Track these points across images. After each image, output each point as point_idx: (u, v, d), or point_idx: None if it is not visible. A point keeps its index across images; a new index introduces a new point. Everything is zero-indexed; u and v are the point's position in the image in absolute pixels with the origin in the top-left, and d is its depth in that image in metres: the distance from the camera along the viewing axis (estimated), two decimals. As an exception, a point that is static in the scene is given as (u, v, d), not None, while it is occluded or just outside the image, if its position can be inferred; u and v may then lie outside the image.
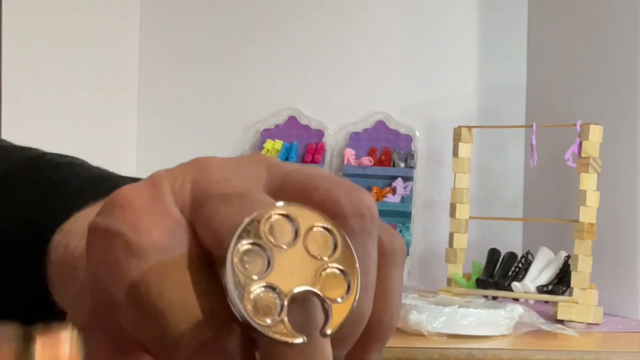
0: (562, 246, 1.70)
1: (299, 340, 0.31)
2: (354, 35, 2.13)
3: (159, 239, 0.33)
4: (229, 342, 0.33)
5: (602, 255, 1.66)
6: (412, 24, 2.13)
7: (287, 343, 0.31)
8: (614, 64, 1.76)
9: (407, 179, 2.05)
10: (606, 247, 1.69)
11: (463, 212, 1.72)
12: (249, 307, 0.31)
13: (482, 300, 1.58)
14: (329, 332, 0.32)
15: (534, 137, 1.68)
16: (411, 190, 2.04)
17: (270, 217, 0.32)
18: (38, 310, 0.44)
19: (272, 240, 0.32)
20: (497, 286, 1.68)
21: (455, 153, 1.73)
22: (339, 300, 0.32)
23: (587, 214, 1.56)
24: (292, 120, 2.11)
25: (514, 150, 2.11)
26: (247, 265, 0.32)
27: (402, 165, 2.06)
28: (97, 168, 0.55)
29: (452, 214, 1.73)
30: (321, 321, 0.32)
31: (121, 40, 2.12)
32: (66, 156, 0.57)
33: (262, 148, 2.08)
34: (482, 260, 1.76)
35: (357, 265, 0.33)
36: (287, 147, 2.08)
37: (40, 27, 1.83)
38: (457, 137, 1.73)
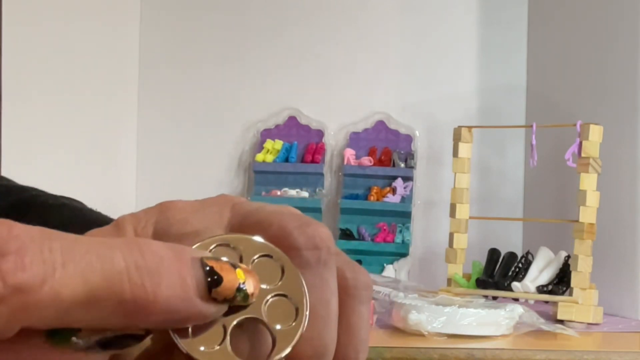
0: (562, 246, 1.70)
1: None
2: (354, 35, 2.13)
3: None
4: None
5: (602, 255, 1.66)
6: (412, 23, 2.13)
7: None
8: (614, 64, 1.76)
9: (407, 179, 2.05)
10: (606, 247, 1.69)
11: (463, 212, 1.72)
12: (191, 336, 0.31)
13: (482, 300, 1.58)
14: (275, 358, 0.32)
15: (534, 137, 1.68)
16: (411, 190, 2.04)
17: (212, 246, 0.33)
18: None
19: None
20: (497, 286, 1.68)
21: (455, 153, 1.73)
22: (285, 327, 0.32)
23: (587, 214, 1.56)
24: (292, 120, 2.11)
25: (514, 150, 2.11)
26: None
27: (402, 165, 2.06)
28: (93, 211, 0.56)
29: (452, 214, 1.73)
30: (268, 348, 0.32)
31: (121, 41, 2.12)
32: (62, 198, 0.58)
33: (262, 148, 2.08)
34: (482, 260, 1.76)
35: (305, 291, 0.33)
36: (287, 147, 2.08)
37: (40, 27, 1.83)
38: (457, 137, 1.73)
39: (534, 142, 1.67)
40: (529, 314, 1.44)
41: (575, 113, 1.81)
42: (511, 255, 1.74)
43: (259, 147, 2.09)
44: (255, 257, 0.33)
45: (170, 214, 0.36)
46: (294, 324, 0.32)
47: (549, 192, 1.98)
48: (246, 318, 0.32)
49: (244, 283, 0.30)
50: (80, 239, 0.28)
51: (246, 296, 0.31)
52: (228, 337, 0.31)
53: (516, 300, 1.66)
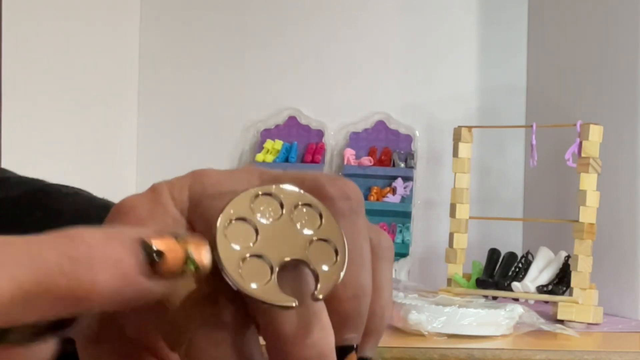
0: (562, 246, 1.70)
1: (291, 303, 0.33)
2: (354, 35, 2.13)
3: None
4: (229, 317, 0.34)
5: (602, 255, 1.66)
6: (412, 23, 2.13)
7: (280, 306, 0.33)
8: (614, 64, 1.76)
9: (407, 179, 2.05)
10: (606, 247, 1.69)
11: (463, 212, 1.72)
12: (241, 274, 0.32)
13: (482, 300, 1.58)
14: (320, 296, 0.33)
15: (534, 137, 1.68)
16: (411, 190, 2.04)
17: (255, 196, 0.34)
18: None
19: (258, 215, 0.34)
20: (497, 286, 1.68)
21: (455, 153, 1.73)
22: (327, 267, 0.34)
23: (587, 214, 1.56)
24: (292, 120, 2.11)
25: (514, 150, 2.11)
26: (235, 238, 0.33)
27: (402, 165, 2.06)
28: (102, 199, 0.58)
29: (452, 214, 1.73)
30: (312, 287, 0.34)
31: (121, 41, 2.12)
32: (73, 187, 0.60)
33: (262, 148, 2.08)
34: (482, 260, 1.76)
35: (343, 235, 0.35)
36: (287, 147, 2.08)
37: (40, 27, 1.83)
38: (457, 137, 1.73)
39: (534, 142, 1.67)
40: (529, 314, 1.44)
41: (575, 113, 1.81)
42: (511, 255, 1.74)
43: (259, 147, 2.09)
44: (295, 205, 0.35)
45: (204, 178, 0.37)
46: (334, 266, 0.34)
47: (549, 192, 1.98)
48: (290, 259, 0.34)
49: (189, 254, 0.31)
50: (8, 240, 0.28)
51: (198, 267, 0.31)
52: (275, 275, 0.33)
53: (516, 300, 1.66)
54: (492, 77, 2.13)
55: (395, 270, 1.97)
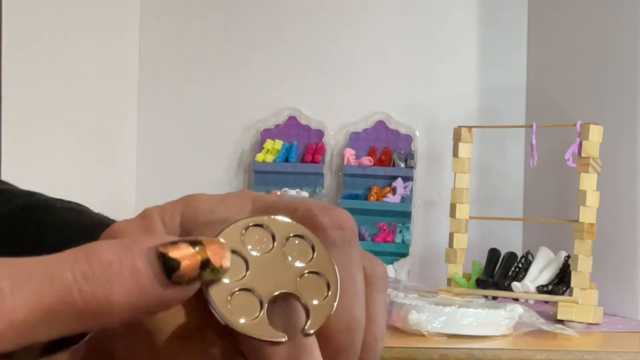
0: (562, 246, 1.70)
1: (281, 338, 0.32)
2: (354, 35, 2.13)
3: None
4: (217, 353, 0.34)
5: (602, 255, 1.66)
6: (412, 24, 2.13)
7: (269, 342, 0.32)
8: (614, 64, 1.76)
9: (407, 179, 2.05)
10: (606, 247, 1.69)
11: (463, 212, 1.72)
12: (229, 309, 0.32)
13: (482, 300, 1.58)
14: (311, 331, 0.33)
15: (534, 137, 1.68)
16: (411, 190, 2.04)
17: (246, 227, 0.34)
18: None
19: (248, 247, 0.33)
20: (497, 286, 1.68)
21: (455, 153, 1.73)
22: (318, 301, 0.33)
23: (587, 214, 1.56)
24: (292, 120, 2.11)
25: (514, 150, 2.11)
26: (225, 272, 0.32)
27: (402, 165, 2.06)
28: (98, 214, 0.57)
29: (452, 214, 1.73)
30: (302, 322, 0.33)
31: (121, 41, 2.12)
32: (69, 202, 0.59)
33: (262, 148, 2.08)
34: (482, 260, 1.76)
35: (336, 268, 0.34)
36: (287, 147, 2.08)
37: (40, 27, 1.83)
38: (457, 137, 1.73)
39: (534, 142, 1.67)
40: (529, 314, 1.44)
41: (575, 113, 1.81)
42: (511, 255, 1.74)
43: (259, 147, 2.09)
44: (287, 236, 0.34)
45: (196, 204, 0.37)
46: (326, 300, 0.34)
47: (549, 192, 1.98)
48: (281, 293, 0.33)
49: (206, 260, 0.31)
50: (26, 262, 0.29)
51: (215, 270, 0.31)
52: (265, 310, 0.32)
53: (516, 300, 1.66)
54: (492, 77, 2.13)
55: (395, 270, 1.97)
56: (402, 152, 2.07)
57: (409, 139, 2.09)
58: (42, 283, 0.28)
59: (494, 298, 1.69)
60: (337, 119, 2.12)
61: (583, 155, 1.57)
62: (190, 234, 0.35)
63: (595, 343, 1.45)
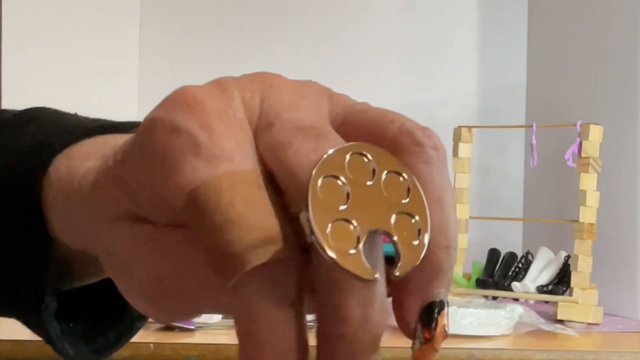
0: (562, 246, 1.70)
1: (371, 277, 0.31)
2: (354, 35, 2.13)
3: (230, 147, 0.32)
4: (285, 271, 0.31)
5: (602, 255, 1.66)
6: (412, 23, 2.13)
7: (357, 277, 0.31)
8: (614, 64, 1.76)
9: (407, 179, 2.04)
10: (606, 247, 1.69)
11: (463, 212, 1.72)
12: (327, 236, 0.30)
13: (482, 300, 1.58)
14: (397, 274, 0.32)
15: (534, 137, 1.68)
16: (411, 190, 2.04)
17: (349, 154, 0.32)
18: (31, 241, 0.40)
19: (351, 177, 0.32)
20: (497, 286, 1.68)
21: (455, 153, 1.73)
22: (410, 246, 0.32)
23: (587, 214, 1.56)
24: (292, 120, 2.11)
25: (514, 150, 2.11)
26: (327, 198, 0.31)
27: (402, 165, 2.05)
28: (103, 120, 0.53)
29: (452, 214, 1.73)
30: (382, 263, 0.32)
31: (121, 40, 2.12)
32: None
33: (262, 148, 2.08)
34: (482, 260, 1.76)
35: (428, 215, 0.33)
36: (287, 147, 2.08)
37: (40, 27, 1.83)
38: (457, 137, 1.73)
39: (534, 142, 1.67)
40: (529, 314, 1.44)
41: (575, 113, 1.81)
42: (511, 255, 1.74)
43: (259, 147, 2.09)
44: (386, 171, 0.33)
45: (277, 92, 0.34)
46: (417, 245, 0.32)
47: (549, 192, 1.98)
48: (377, 230, 0.32)
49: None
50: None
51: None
52: (362, 244, 0.31)
53: (516, 300, 1.66)
54: (492, 77, 2.13)
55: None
56: (402, 152, 2.07)
57: (409, 139, 2.09)
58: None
59: (494, 298, 1.69)
60: (337, 119, 2.12)
61: (583, 155, 1.57)
62: (272, 128, 0.33)
63: (595, 343, 1.45)
